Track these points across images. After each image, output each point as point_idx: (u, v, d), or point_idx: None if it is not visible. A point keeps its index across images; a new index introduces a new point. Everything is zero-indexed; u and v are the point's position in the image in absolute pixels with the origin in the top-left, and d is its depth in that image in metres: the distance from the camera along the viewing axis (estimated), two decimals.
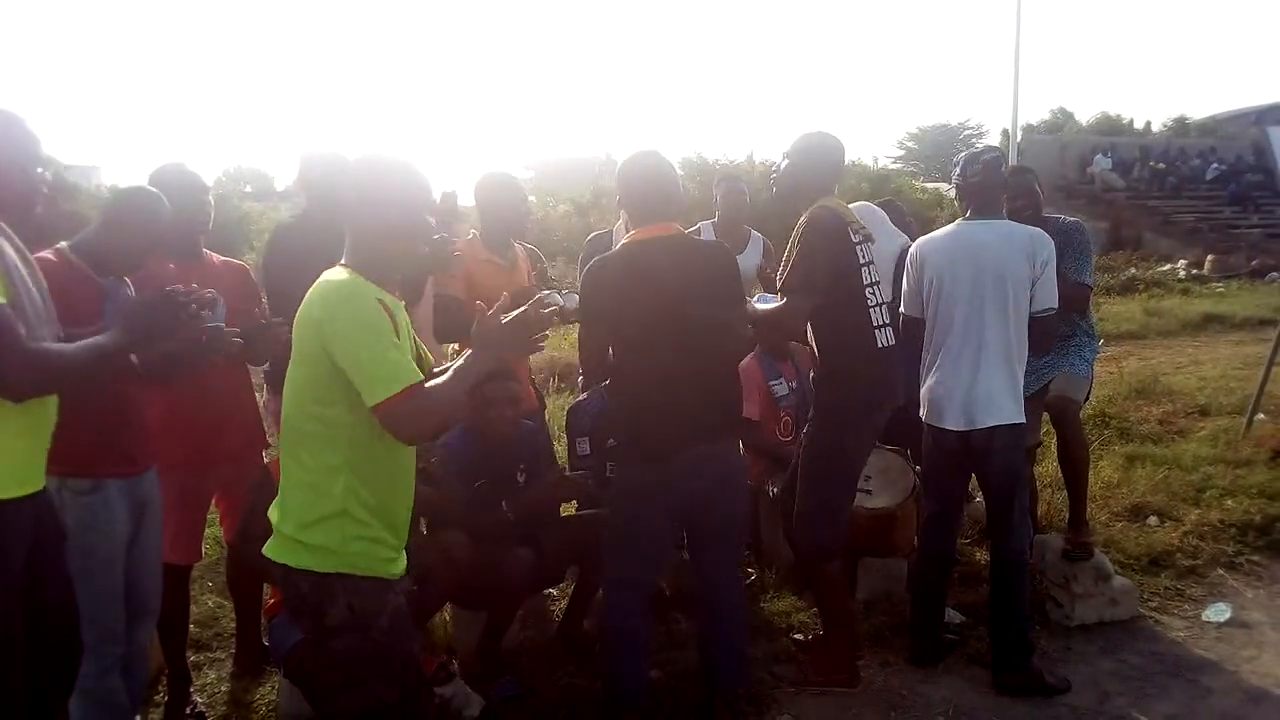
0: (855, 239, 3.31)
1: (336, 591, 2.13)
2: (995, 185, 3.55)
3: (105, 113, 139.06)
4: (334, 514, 2.12)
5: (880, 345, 3.34)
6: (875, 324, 3.34)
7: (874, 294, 3.36)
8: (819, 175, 3.42)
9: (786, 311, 3.28)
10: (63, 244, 2.78)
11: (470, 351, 2.22)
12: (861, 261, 3.33)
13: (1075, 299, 4.20)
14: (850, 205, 4.31)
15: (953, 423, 3.46)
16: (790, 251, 3.34)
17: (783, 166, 3.49)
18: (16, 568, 2.18)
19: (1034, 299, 3.45)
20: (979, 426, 3.41)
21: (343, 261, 2.21)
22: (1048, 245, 3.48)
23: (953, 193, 3.80)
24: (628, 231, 3.19)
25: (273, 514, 2.23)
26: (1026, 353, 3.51)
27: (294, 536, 2.14)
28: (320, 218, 3.57)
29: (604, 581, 3.28)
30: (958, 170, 3.62)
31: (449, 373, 2.18)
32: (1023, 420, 3.48)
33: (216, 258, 3.50)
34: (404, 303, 2.35)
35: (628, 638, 3.11)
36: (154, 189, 2.93)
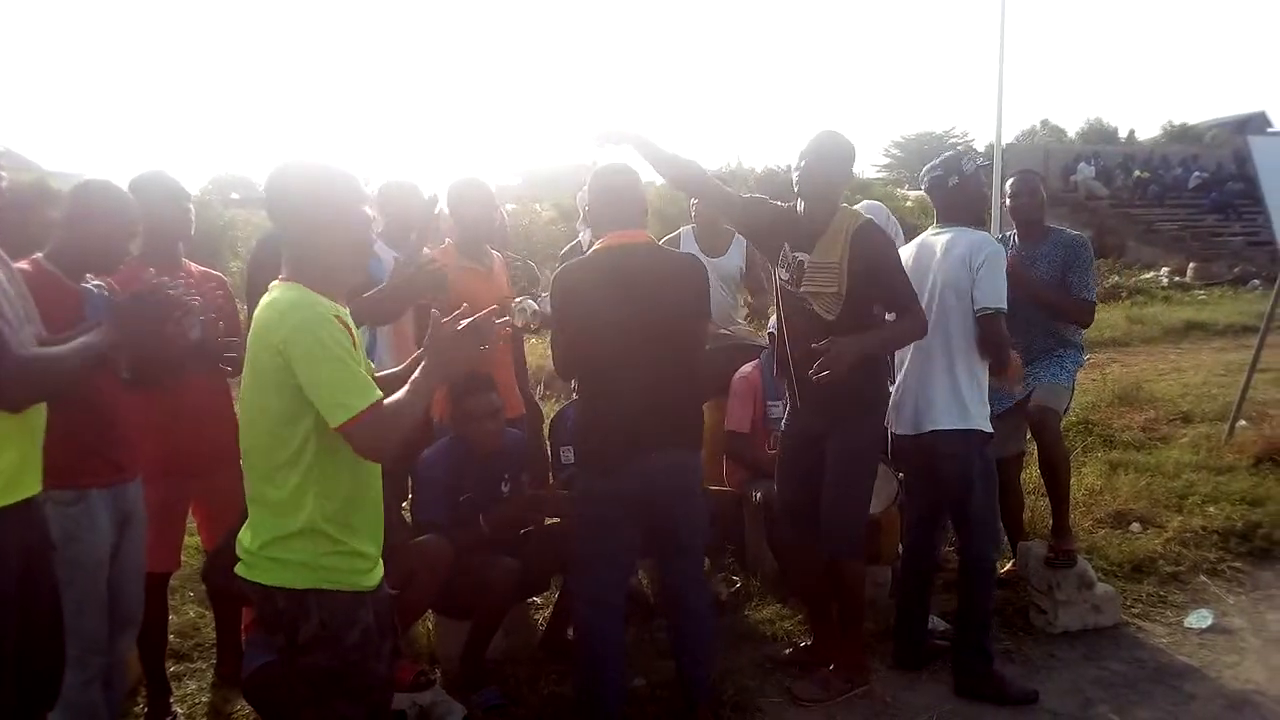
0: None
1: (310, 607, 2.11)
2: (972, 195, 3.64)
3: (91, 119, 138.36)
4: (305, 530, 2.10)
5: None
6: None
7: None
8: (842, 174, 3.41)
9: (914, 325, 3.30)
10: (38, 254, 2.76)
11: (423, 364, 2.19)
12: None
13: (1081, 315, 4.28)
14: (857, 206, 4.34)
15: (902, 428, 3.57)
16: (840, 259, 3.25)
17: (806, 166, 3.37)
18: (12, 576, 2.16)
19: (974, 300, 3.45)
20: (923, 431, 3.49)
21: (283, 276, 2.16)
22: (984, 248, 3.48)
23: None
24: (591, 242, 3.18)
25: (243, 537, 2.20)
26: (975, 357, 3.51)
27: (267, 555, 2.12)
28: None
29: (573, 591, 3.27)
30: (927, 179, 3.68)
31: (405, 387, 2.14)
32: (972, 427, 3.48)
33: (195, 267, 3.48)
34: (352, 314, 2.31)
35: (599, 646, 3.09)
36: (109, 181, 2.89)
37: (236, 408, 2.30)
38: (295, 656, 2.15)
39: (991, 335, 3.47)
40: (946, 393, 3.48)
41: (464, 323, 2.20)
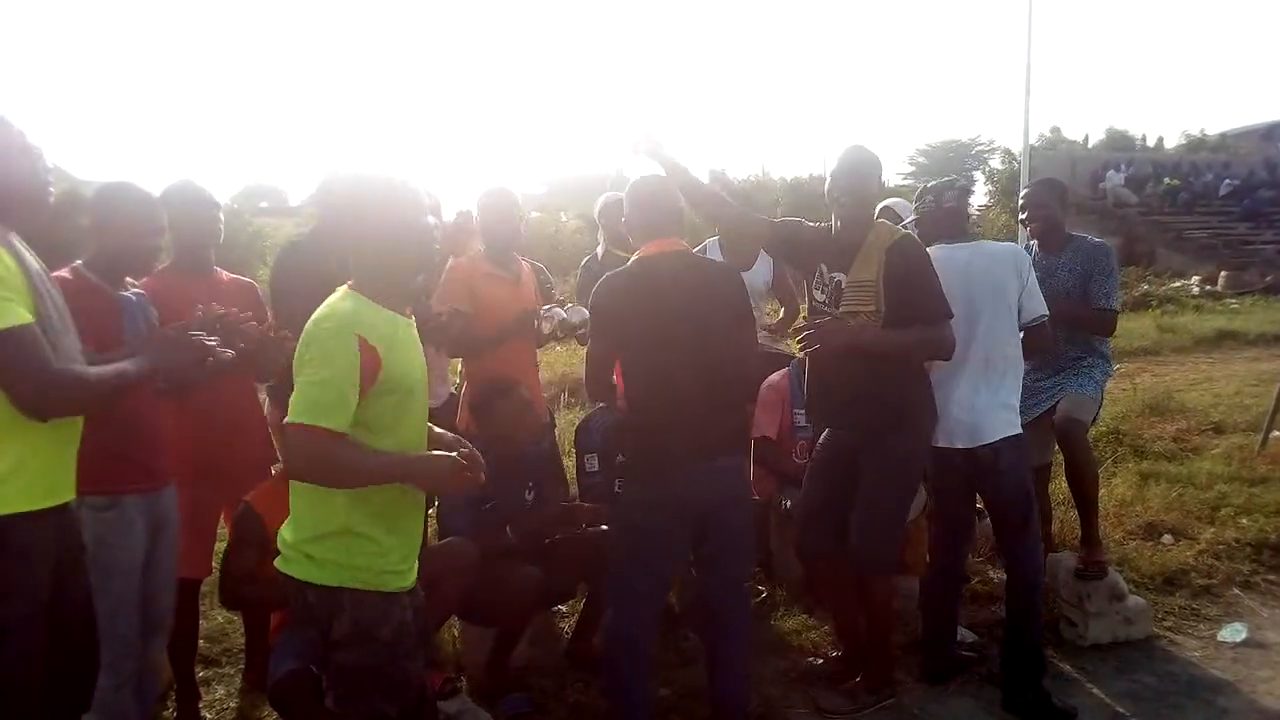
0: None
1: (343, 605, 2.16)
2: (952, 212, 3.64)
3: (123, 129, 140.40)
4: (339, 530, 2.16)
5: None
6: None
7: None
8: (873, 189, 3.40)
9: (943, 339, 3.23)
10: (77, 263, 2.80)
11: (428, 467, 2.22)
12: None
13: (1103, 324, 4.21)
14: (889, 200, 4.29)
15: (960, 441, 3.44)
16: (876, 276, 3.22)
17: (847, 182, 3.33)
18: (42, 580, 2.19)
19: (1023, 310, 3.48)
20: (983, 442, 3.41)
21: (350, 284, 2.23)
22: (1026, 257, 3.58)
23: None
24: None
25: (284, 531, 2.25)
26: (1022, 366, 3.52)
27: (303, 550, 2.18)
28: (329, 236, 3.59)
29: (609, 596, 3.27)
30: (930, 198, 3.66)
31: (387, 458, 2.16)
32: (1019, 431, 3.47)
33: (225, 274, 3.52)
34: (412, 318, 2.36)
35: (632, 654, 3.07)
36: (129, 182, 2.93)
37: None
38: (330, 652, 2.19)
39: (1044, 341, 3.56)
40: (1006, 401, 3.44)
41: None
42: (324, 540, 2.16)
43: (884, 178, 3.50)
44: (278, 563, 2.25)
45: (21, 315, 2.07)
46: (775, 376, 4.57)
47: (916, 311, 3.24)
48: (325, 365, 2.07)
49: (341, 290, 2.22)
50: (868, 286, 3.25)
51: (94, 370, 2.24)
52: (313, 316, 2.16)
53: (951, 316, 3.25)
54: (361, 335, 2.10)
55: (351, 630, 2.16)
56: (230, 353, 2.52)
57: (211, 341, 2.43)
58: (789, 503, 4.34)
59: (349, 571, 2.16)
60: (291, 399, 2.08)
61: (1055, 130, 41.42)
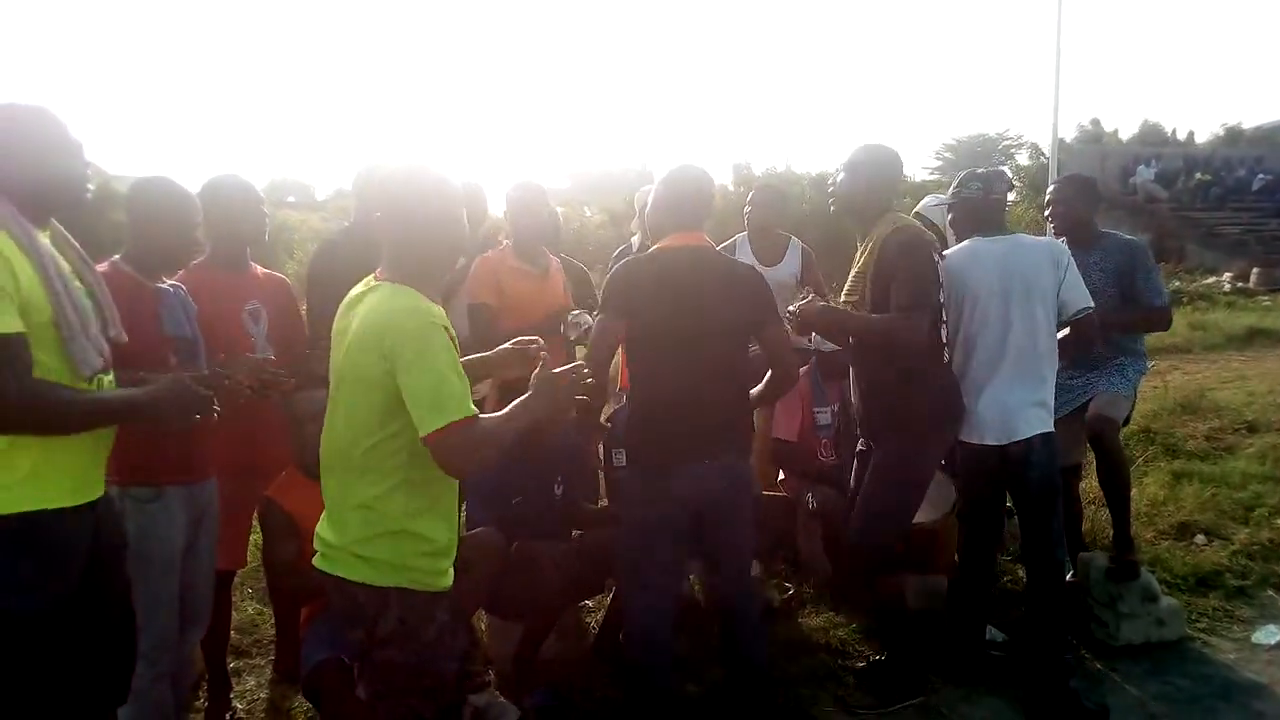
0: (936, 258, 3.30)
1: (390, 603, 2.17)
2: (998, 203, 3.59)
3: (153, 124, 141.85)
4: (394, 531, 2.16)
5: (945, 360, 3.36)
6: (943, 341, 3.33)
7: (944, 312, 3.34)
8: (879, 190, 3.38)
9: (907, 328, 3.16)
10: (115, 256, 2.84)
11: (527, 396, 2.28)
12: (941, 280, 3.32)
13: (1158, 322, 4.19)
14: (923, 201, 4.24)
15: (992, 437, 3.41)
16: (864, 270, 3.28)
17: (839, 180, 3.42)
18: (69, 576, 2.21)
19: (1065, 304, 3.44)
20: (1016, 439, 3.37)
21: (387, 276, 2.23)
22: (1064, 249, 3.53)
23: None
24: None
25: (325, 532, 2.26)
26: (1057, 363, 3.48)
27: (353, 551, 2.18)
28: (366, 231, 3.60)
29: (623, 589, 3.26)
30: (978, 185, 3.61)
31: (503, 412, 2.21)
32: (1052, 429, 3.44)
33: (260, 269, 3.54)
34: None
35: (650, 651, 3.07)
36: (165, 177, 2.95)
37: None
38: (372, 649, 2.21)
39: (1088, 334, 3.49)
40: (1040, 396, 3.41)
41: (560, 371, 2.33)
42: (377, 540, 2.17)
43: (899, 174, 3.47)
44: (319, 563, 2.25)
45: (6, 326, 2.02)
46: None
47: (892, 300, 3.21)
48: (433, 359, 2.06)
49: (384, 285, 2.21)
50: (860, 277, 3.30)
51: (77, 394, 2.17)
52: (379, 319, 2.12)
53: (923, 308, 3.17)
54: (446, 326, 2.14)
55: (397, 629, 2.18)
56: (216, 413, 2.44)
57: (212, 398, 2.39)
58: (815, 502, 4.33)
59: (401, 571, 2.18)
60: (415, 411, 2.05)
61: (1095, 122, 40.99)
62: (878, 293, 3.25)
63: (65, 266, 2.24)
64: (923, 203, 4.99)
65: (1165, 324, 4.23)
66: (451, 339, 2.15)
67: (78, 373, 2.20)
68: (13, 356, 2.03)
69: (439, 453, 2.07)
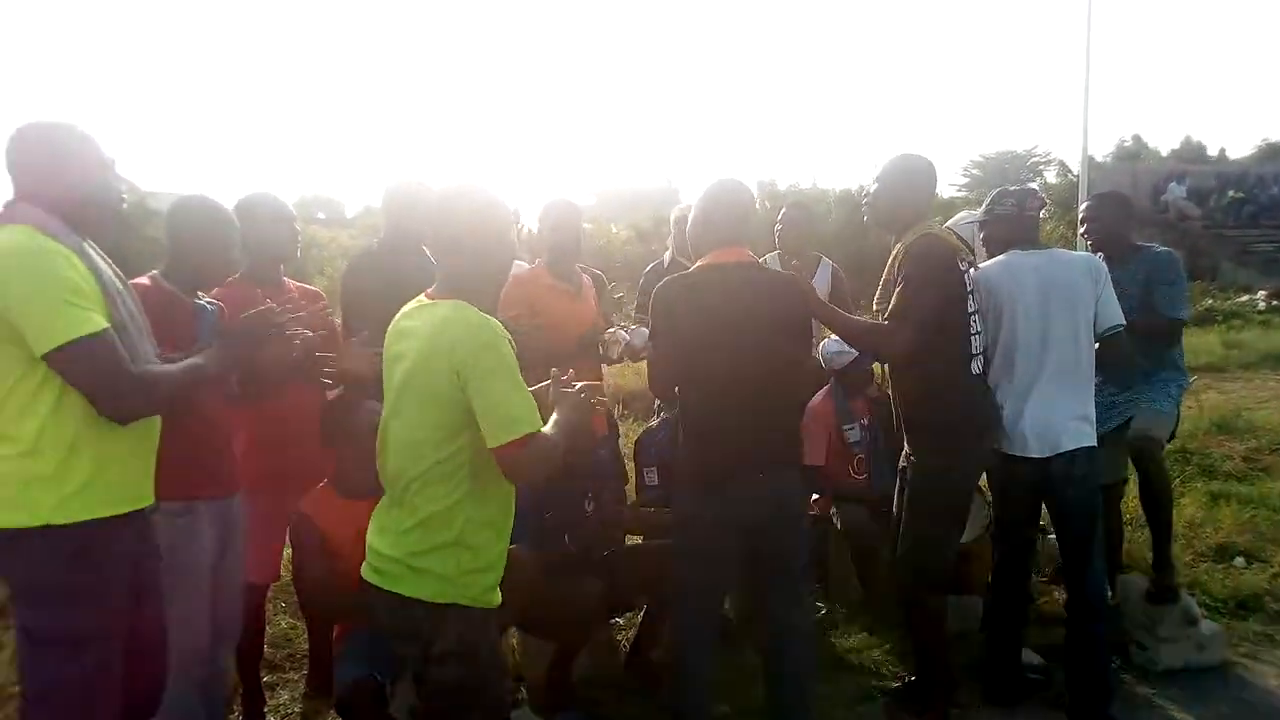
0: (963, 266, 3.27)
1: (449, 620, 2.19)
2: (1032, 220, 3.57)
3: (184, 141, 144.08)
4: (450, 543, 2.19)
5: (973, 373, 3.30)
6: (973, 352, 3.29)
7: (975, 322, 3.30)
8: (912, 200, 3.36)
9: (887, 335, 3.17)
10: (155, 271, 2.88)
11: (561, 411, 2.36)
12: (967, 289, 3.27)
13: (1167, 333, 4.10)
14: (955, 218, 4.22)
15: (1035, 450, 3.36)
16: (889, 277, 3.29)
17: (873, 191, 3.42)
18: (122, 585, 2.24)
19: (1099, 318, 3.40)
20: (1061, 451, 3.33)
21: (440, 294, 2.27)
22: (1101, 265, 3.50)
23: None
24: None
25: (380, 544, 2.27)
26: (1094, 375, 3.45)
27: (408, 564, 2.20)
28: (396, 247, 3.63)
29: (670, 613, 3.24)
30: (1012, 202, 3.58)
31: (549, 425, 2.25)
32: (1095, 444, 3.40)
33: (294, 284, 3.57)
34: None
35: (690, 673, 3.05)
36: (205, 196, 2.99)
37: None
38: (429, 668, 2.22)
39: (1120, 351, 3.46)
40: (1084, 410, 3.38)
41: (579, 387, 2.41)
42: (433, 553, 2.19)
43: (932, 185, 3.44)
44: (370, 576, 2.26)
45: (98, 322, 2.13)
46: (816, 398, 4.52)
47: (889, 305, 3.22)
48: (505, 373, 2.13)
49: (443, 303, 2.24)
50: (886, 286, 3.31)
51: (166, 369, 2.30)
52: (446, 332, 2.16)
53: (908, 320, 3.13)
54: (507, 337, 2.19)
55: (456, 647, 2.19)
56: (305, 333, 2.63)
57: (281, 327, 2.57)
58: (842, 522, 4.30)
59: (456, 587, 2.20)
60: (488, 422, 2.11)
61: (1136, 139, 40.74)
62: (889, 299, 3.25)
63: (111, 274, 2.32)
64: (955, 219, 4.97)
65: (1167, 335, 4.12)
66: (514, 351, 2.19)
67: None
68: (112, 348, 2.14)
69: (508, 464, 2.14)
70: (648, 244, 20.57)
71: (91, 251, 2.29)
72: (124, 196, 2.46)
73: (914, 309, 3.13)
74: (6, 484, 2.17)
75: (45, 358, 2.09)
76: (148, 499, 2.38)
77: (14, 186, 2.27)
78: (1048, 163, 39.14)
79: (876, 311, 3.41)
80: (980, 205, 3.81)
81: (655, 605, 3.71)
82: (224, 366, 2.50)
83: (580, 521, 3.71)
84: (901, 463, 3.50)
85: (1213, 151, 41.10)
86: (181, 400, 2.36)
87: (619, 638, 4.16)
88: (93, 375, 2.12)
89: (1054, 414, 3.34)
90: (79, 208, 2.29)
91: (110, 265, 2.39)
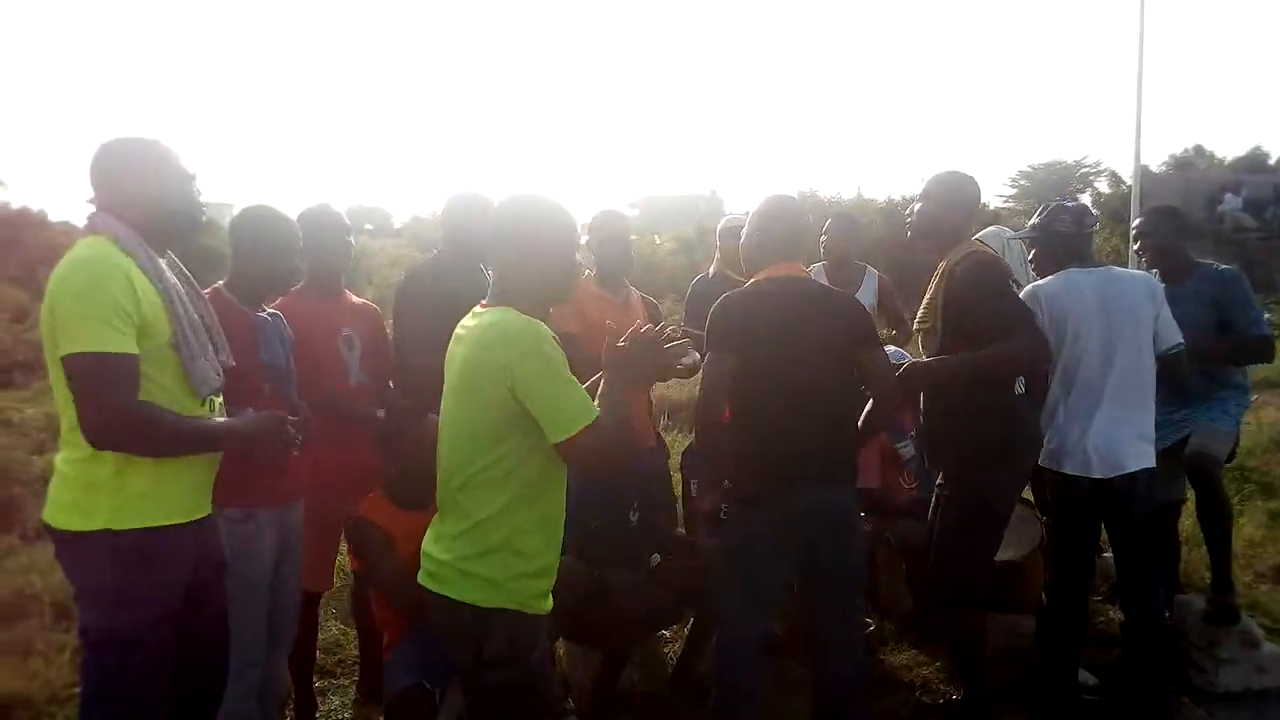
0: (1013, 286, 3.25)
1: (498, 625, 2.20)
2: (1088, 238, 3.57)
3: (236, 152, 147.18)
4: (500, 548, 2.20)
5: (1017, 392, 3.26)
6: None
7: None
8: (958, 216, 3.34)
9: (1015, 349, 3.04)
10: (219, 283, 2.94)
11: (604, 378, 2.33)
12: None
13: (1258, 351, 4.07)
14: (983, 231, 4.18)
15: (1098, 469, 3.32)
16: (933, 298, 3.27)
17: (917, 209, 3.41)
18: (177, 592, 2.29)
19: (1158, 338, 3.39)
20: (1122, 472, 3.29)
21: (495, 302, 2.29)
22: (1159, 284, 3.51)
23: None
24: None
25: (433, 549, 2.30)
26: (1154, 396, 3.41)
27: (459, 568, 2.21)
28: (452, 260, 3.66)
29: (718, 627, 3.23)
30: (1068, 218, 3.54)
31: (597, 404, 2.24)
32: (1156, 464, 3.36)
33: (354, 297, 3.63)
34: None
35: (737, 687, 3.03)
36: (270, 206, 3.04)
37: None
38: (480, 672, 2.23)
39: (1179, 370, 3.46)
40: (1146, 430, 3.35)
41: (628, 333, 2.32)
42: (482, 558, 2.20)
43: (975, 201, 3.42)
44: (424, 580, 2.29)
45: (122, 345, 2.14)
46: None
47: (976, 332, 3.11)
48: (554, 370, 2.15)
49: (493, 310, 2.26)
50: (931, 305, 3.28)
51: (180, 418, 2.27)
52: (493, 337, 2.19)
53: (1025, 323, 3.07)
54: (552, 335, 2.21)
55: (506, 651, 2.20)
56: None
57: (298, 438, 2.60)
58: (895, 538, 4.26)
59: (505, 592, 2.20)
60: (547, 420, 2.13)
61: (1197, 149, 39.94)
62: (948, 321, 3.21)
63: (184, 292, 2.36)
64: (984, 232, 4.89)
65: (1266, 354, 4.07)
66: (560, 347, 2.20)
67: (196, 393, 2.32)
68: (121, 374, 2.15)
69: (574, 456, 2.16)
70: (692, 254, 20.51)
71: (164, 266, 2.35)
72: (203, 211, 2.52)
73: (1011, 311, 3.10)
74: (70, 487, 2.23)
75: (62, 361, 2.14)
76: (205, 510, 2.42)
77: (96, 199, 2.34)
78: (1099, 173, 38.48)
79: (919, 330, 3.39)
80: (1031, 217, 3.77)
81: (702, 617, 3.70)
82: (243, 443, 2.46)
83: (625, 532, 3.71)
84: (940, 479, 3.47)
85: (1272, 160, 40.07)
86: (178, 454, 2.30)
87: (666, 650, 4.15)
88: (86, 391, 2.13)
89: (1118, 434, 3.31)
90: (159, 220, 2.35)
91: (187, 277, 2.46)
